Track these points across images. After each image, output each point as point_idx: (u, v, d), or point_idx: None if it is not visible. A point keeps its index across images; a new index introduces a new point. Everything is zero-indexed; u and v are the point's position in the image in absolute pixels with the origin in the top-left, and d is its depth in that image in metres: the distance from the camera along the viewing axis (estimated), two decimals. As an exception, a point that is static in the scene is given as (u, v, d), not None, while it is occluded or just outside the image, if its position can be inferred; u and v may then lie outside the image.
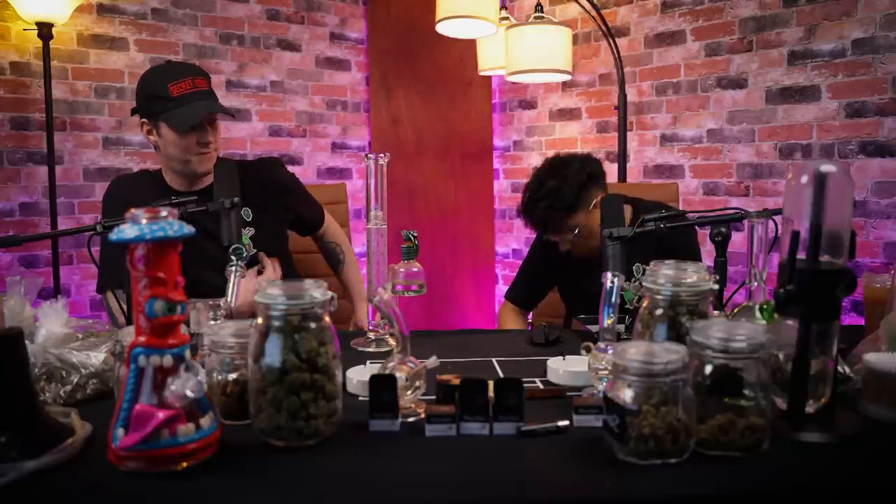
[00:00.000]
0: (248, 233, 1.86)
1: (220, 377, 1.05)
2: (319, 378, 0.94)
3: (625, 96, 2.96)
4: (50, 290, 2.97)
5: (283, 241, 1.97)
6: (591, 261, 1.96)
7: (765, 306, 1.08)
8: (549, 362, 1.28)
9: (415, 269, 1.41)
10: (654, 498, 0.82)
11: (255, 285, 1.60)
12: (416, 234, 1.42)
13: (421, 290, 1.41)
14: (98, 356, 1.16)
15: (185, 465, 0.86)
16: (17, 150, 3.09)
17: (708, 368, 0.92)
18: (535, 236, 2.17)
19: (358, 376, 1.19)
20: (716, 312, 1.15)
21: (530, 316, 2.24)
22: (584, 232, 1.92)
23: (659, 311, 1.07)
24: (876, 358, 1.07)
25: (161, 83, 1.73)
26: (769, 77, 3.10)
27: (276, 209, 1.92)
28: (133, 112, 1.82)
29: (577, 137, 3.90)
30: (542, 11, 2.50)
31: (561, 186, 1.89)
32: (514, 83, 3.98)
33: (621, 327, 1.41)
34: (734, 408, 0.91)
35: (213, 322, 1.22)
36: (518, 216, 2.02)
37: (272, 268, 1.73)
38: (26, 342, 0.95)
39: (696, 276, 1.07)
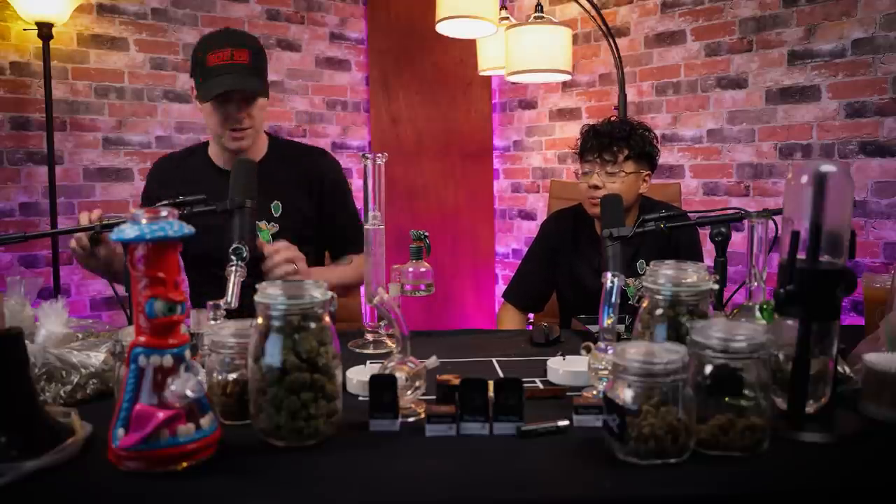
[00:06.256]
0: (272, 229, 1.72)
1: (220, 377, 1.05)
2: (319, 378, 0.94)
3: (625, 96, 2.96)
4: (50, 290, 2.97)
5: (309, 233, 1.81)
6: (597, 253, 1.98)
7: (765, 306, 1.08)
8: (549, 362, 1.28)
9: (423, 269, 1.41)
10: (654, 498, 0.82)
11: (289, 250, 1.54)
12: (426, 234, 1.41)
13: (429, 290, 1.41)
14: (98, 356, 1.16)
15: (185, 465, 0.86)
16: (17, 150, 3.09)
17: (708, 368, 0.92)
18: (535, 236, 2.17)
19: (358, 376, 1.18)
20: (716, 312, 1.15)
21: (531, 315, 2.23)
22: (619, 187, 1.94)
23: (659, 311, 1.07)
24: (876, 358, 1.07)
25: (204, 50, 1.64)
26: (769, 77, 3.10)
27: (310, 206, 1.80)
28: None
29: (577, 138, 3.88)
30: (542, 11, 2.50)
31: (651, 137, 2.00)
32: (514, 83, 3.97)
33: (621, 327, 1.41)
34: (734, 408, 0.91)
35: (213, 322, 1.22)
36: (587, 133, 2.13)
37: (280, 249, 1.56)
38: (26, 342, 0.95)
39: (696, 276, 1.07)
